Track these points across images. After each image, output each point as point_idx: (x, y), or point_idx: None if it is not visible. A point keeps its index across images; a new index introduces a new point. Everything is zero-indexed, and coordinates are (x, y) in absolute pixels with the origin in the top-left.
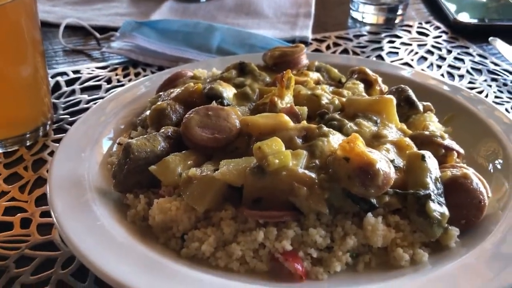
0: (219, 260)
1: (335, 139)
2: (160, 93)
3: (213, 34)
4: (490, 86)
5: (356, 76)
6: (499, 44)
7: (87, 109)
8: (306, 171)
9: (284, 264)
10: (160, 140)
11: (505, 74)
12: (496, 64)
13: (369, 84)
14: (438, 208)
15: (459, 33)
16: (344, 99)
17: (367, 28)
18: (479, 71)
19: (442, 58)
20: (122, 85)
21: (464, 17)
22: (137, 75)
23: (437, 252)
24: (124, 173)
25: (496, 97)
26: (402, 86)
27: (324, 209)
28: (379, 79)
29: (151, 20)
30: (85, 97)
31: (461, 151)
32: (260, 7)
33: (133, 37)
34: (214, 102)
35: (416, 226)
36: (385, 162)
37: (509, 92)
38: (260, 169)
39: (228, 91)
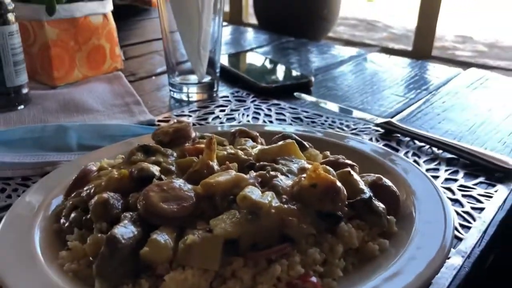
0: None
1: (283, 178)
2: (79, 191)
3: (67, 134)
4: (314, 127)
5: (239, 135)
6: (301, 96)
7: None
8: (289, 205)
9: (305, 286)
10: (131, 226)
11: (317, 117)
12: (305, 111)
13: (252, 140)
14: (379, 204)
15: (265, 94)
16: (253, 152)
17: (196, 104)
18: (299, 119)
19: (267, 115)
20: None
21: (263, 82)
22: (2, 191)
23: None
24: (114, 266)
25: None
26: (284, 134)
27: (313, 231)
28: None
29: None
30: None
31: (356, 164)
32: (87, 104)
33: None
34: (154, 180)
35: (370, 223)
36: (337, 180)
37: (331, 129)
38: (253, 214)
39: (155, 169)
